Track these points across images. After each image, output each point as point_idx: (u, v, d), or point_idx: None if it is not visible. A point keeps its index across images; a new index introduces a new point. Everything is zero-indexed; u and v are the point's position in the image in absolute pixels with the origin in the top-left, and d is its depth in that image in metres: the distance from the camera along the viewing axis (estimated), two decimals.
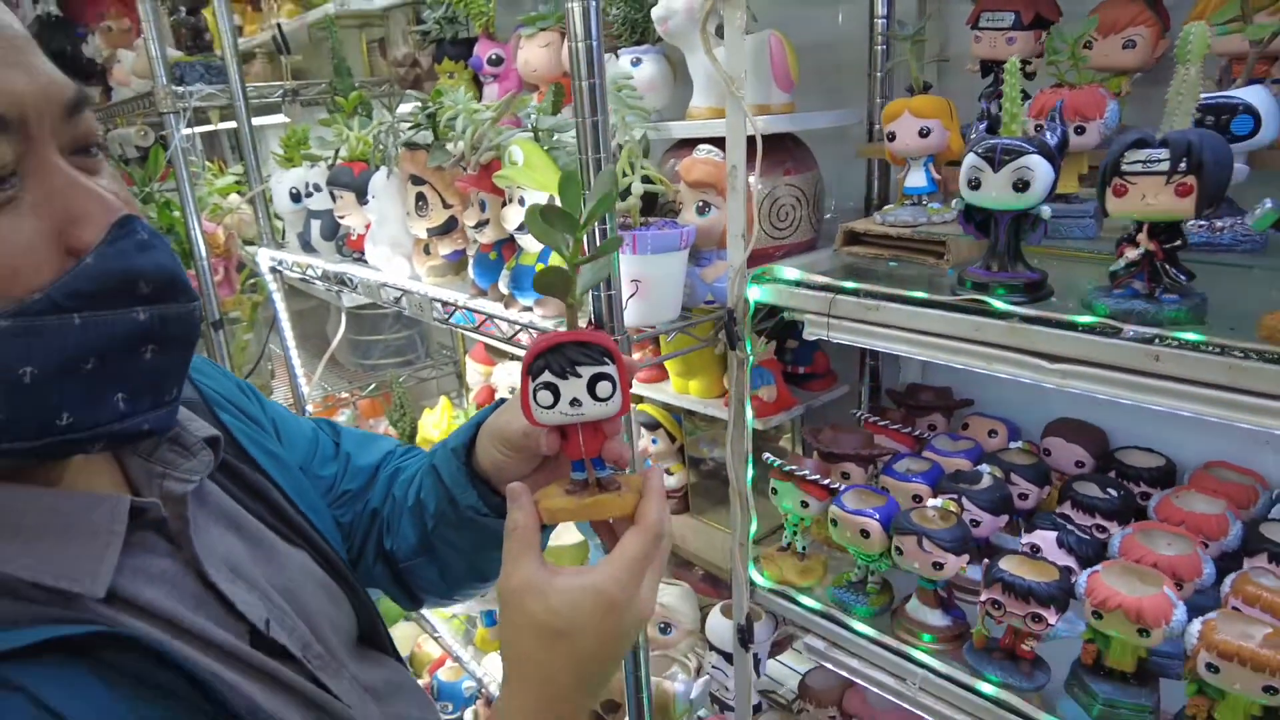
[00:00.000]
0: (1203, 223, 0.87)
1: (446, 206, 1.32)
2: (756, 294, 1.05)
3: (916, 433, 1.27)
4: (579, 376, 0.60)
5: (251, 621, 0.65)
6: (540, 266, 1.15)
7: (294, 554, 0.76)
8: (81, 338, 0.50)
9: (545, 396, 0.61)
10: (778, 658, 1.55)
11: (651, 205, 1.24)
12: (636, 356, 1.29)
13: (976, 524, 1.05)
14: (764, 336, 1.21)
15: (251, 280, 2.38)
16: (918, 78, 1.09)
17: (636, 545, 0.62)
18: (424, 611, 2.00)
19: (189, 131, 2.95)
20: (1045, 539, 1.00)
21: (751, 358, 1.07)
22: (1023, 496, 1.12)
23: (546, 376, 0.60)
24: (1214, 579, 0.93)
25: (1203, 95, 0.82)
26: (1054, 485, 1.15)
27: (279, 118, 2.37)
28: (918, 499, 1.10)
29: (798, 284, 1.01)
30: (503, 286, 1.20)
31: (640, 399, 1.59)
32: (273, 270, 2.01)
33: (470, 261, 1.30)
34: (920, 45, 1.11)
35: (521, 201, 1.12)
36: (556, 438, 0.65)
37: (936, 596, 1.04)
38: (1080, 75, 0.94)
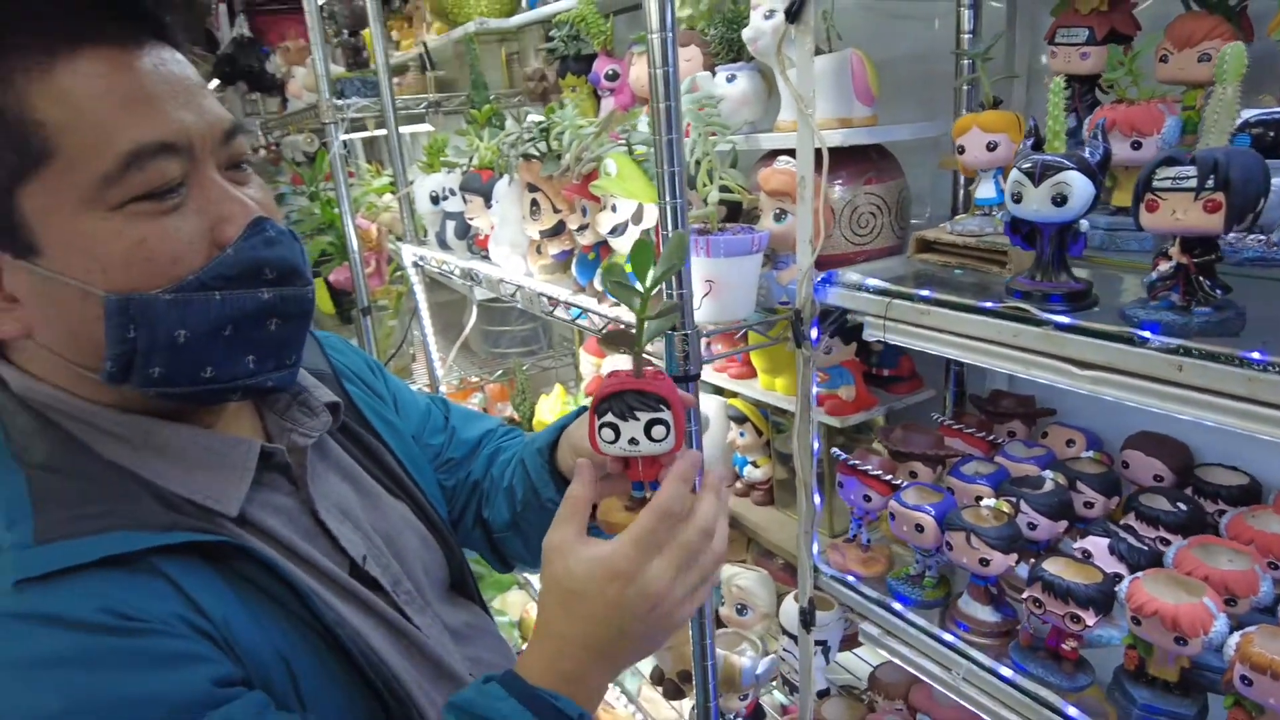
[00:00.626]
0: (1260, 237, 0.87)
1: (556, 211, 1.46)
2: (823, 296, 1.12)
3: (991, 438, 1.29)
4: (637, 420, 0.68)
5: (351, 556, 0.80)
6: (629, 267, 1.26)
7: (396, 505, 0.91)
8: (221, 310, 0.65)
9: (608, 433, 0.70)
10: (854, 651, 1.60)
11: (737, 213, 1.33)
12: (717, 349, 1.38)
13: (1034, 527, 1.08)
14: (836, 336, 1.28)
15: (398, 273, 2.63)
16: (988, 93, 1.12)
17: (645, 523, 0.67)
18: (533, 582, 2.17)
19: (352, 137, 3.27)
20: (1097, 545, 1.02)
21: (818, 355, 1.14)
22: (1088, 505, 1.13)
23: (609, 417, 0.69)
24: (1273, 598, 0.92)
25: (1258, 112, 0.83)
26: (1125, 497, 1.15)
27: (426, 126, 2.61)
28: (979, 500, 1.13)
29: (859, 288, 1.08)
30: (597, 284, 1.33)
31: (733, 394, 1.68)
32: (415, 264, 2.23)
33: (574, 261, 1.44)
34: (989, 62, 1.14)
35: (614, 208, 1.24)
36: (619, 463, 0.74)
37: (987, 593, 1.08)
38: (1141, 91, 0.95)
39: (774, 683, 1.54)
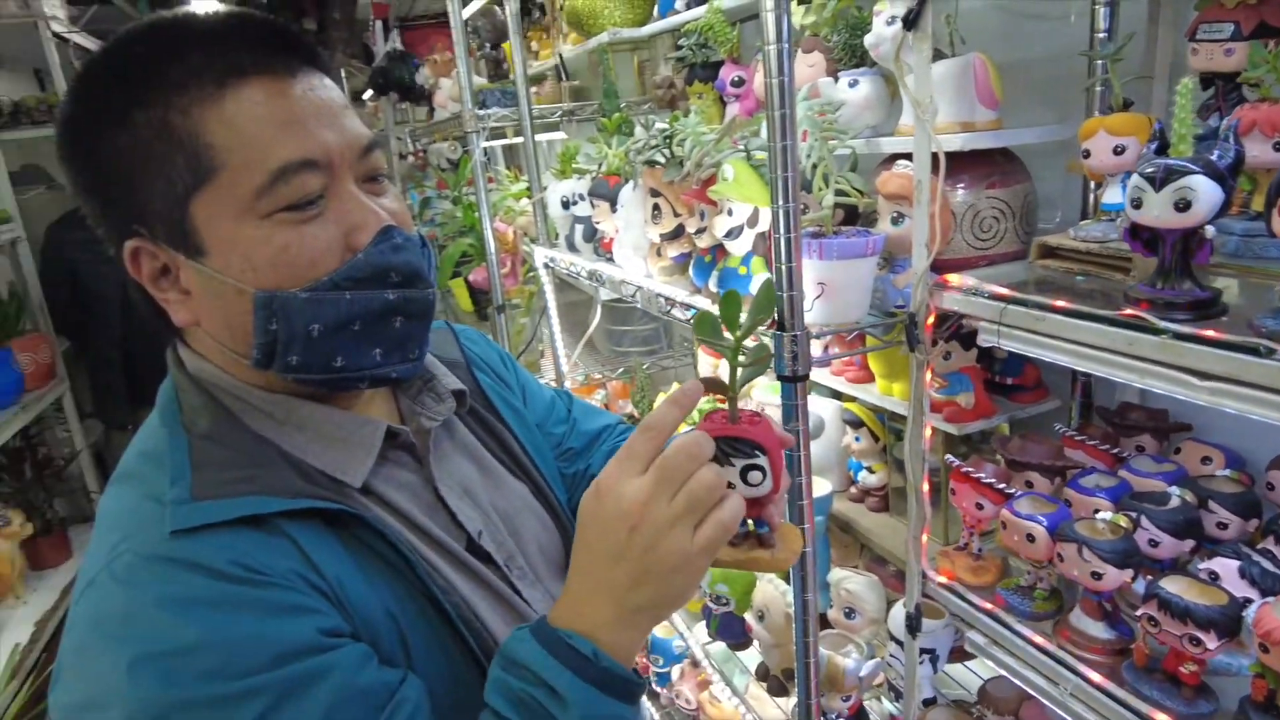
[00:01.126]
0: None
1: (676, 215, 1.51)
2: (938, 300, 1.12)
3: (1116, 451, 1.25)
4: (733, 466, 0.68)
5: (468, 531, 0.86)
6: (743, 269, 1.30)
7: (517, 486, 0.98)
8: (350, 308, 0.73)
9: None
10: (966, 665, 1.57)
11: (854, 216, 1.34)
12: (829, 352, 1.40)
13: (1155, 544, 1.04)
14: (954, 342, 1.26)
15: (531, 273, 2.76)
16: (1118, 94, 1.08)
17: (630, 440, 0.68)
18: None
19: (492, 145, 3.45)
20: (1225, 567, 0.97)
21: (936, 360, 1.14)
22: (1221, 525, 1.07)
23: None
24: None
25: None
26: (1266, 520, 1.09)
27: (560, 134, 2.73)
28: (1096, 513, 1.10)
29: (974, 292, 1.07)
30: (712, 285, 1.37)
31: (851, 398, 1.68)
32: (546, 266, 2.34)
33: (691, 263, 1.49)
34: (1120, 62, 1.11)
35: (730, 212, 1.28)
36: None
37: (1101, 609, 1.04)
38: None
39: (880, 689, 1.53)
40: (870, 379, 1.57)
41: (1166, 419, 1.29)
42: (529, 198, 2.77)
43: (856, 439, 1.64)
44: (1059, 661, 1.05)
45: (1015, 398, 1.43)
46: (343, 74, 4.94)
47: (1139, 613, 0.95)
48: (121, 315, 3.70)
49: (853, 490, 1.72)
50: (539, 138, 2.33)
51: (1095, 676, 1.01)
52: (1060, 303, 0.96)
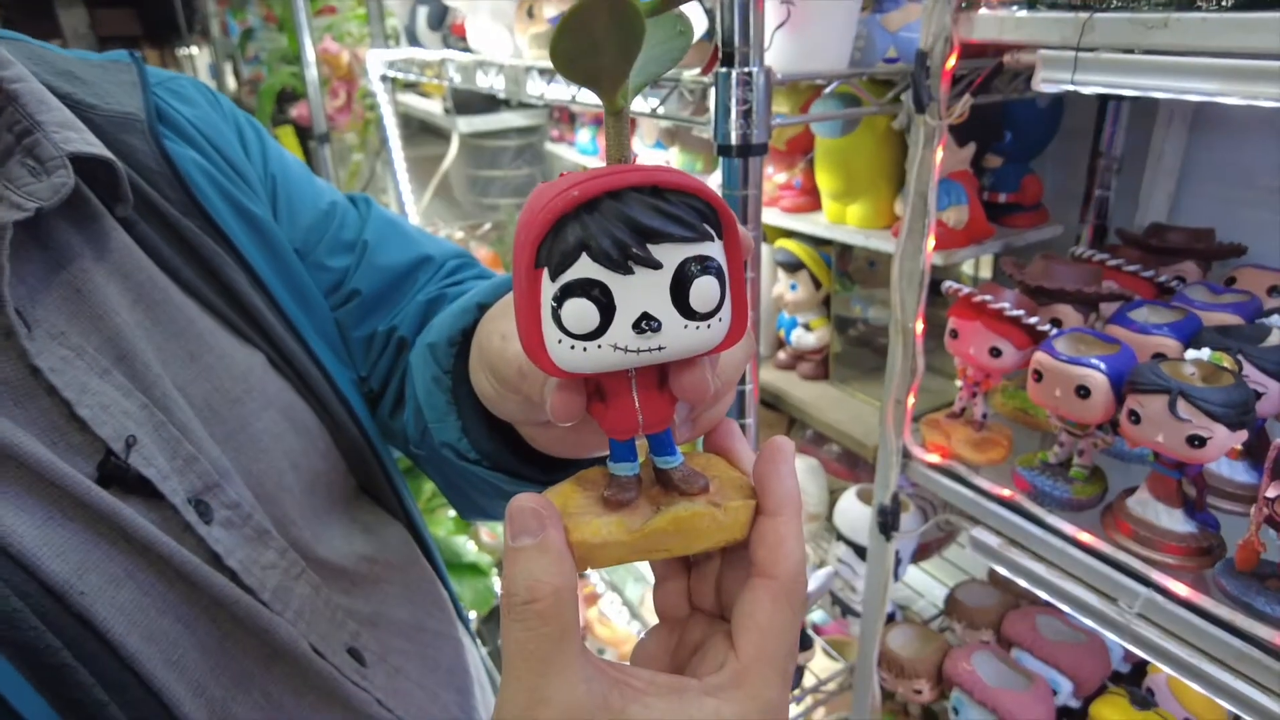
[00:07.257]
0: None
1: None
2: (964, 31, 0.72)
3: (1161, 279, 0.92)
4: (654, 266, 0.26)
5: (104, 439, 0.43)
6: None
7: (242, 356, 0.53)
8: None
9: (579, 311, 0.27)
10: (920, 564, 1.27)
11: None
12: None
13: (1259, 394, 0.71)
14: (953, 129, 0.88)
15: (369, 101, 2.21)
16: None
17: (779, 620, 0.31)
18: None
19: None
20: None
21: (943, 123, 0.75)
22: None
23: (583, 267, 0.26)
24: None
25: None
26: None
27: None
28: (1157, 358, 0.76)
29: (1033, 4, 0.68)
30: None
31: (787, 233, 1.28)
32: (383, 78, 1.81)
33: None
34: None
35: None
36: (584, 397, 0.31)
37: (1179, 492, 0.72)
38: None
39: (820, 602, 1.21)
40: (815, 205, 1.19)
41: (1213, 240, 0.97)
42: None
43: (792, 286, 1.26)
44: (1119, 567, 0.72)
45: (1008, 221, 1.08)
46: None
47: (1269, 494, 0.63)
48: None
49: (781, 356, 1.36)
50: None
51: (1179, 588, 0.68)
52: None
